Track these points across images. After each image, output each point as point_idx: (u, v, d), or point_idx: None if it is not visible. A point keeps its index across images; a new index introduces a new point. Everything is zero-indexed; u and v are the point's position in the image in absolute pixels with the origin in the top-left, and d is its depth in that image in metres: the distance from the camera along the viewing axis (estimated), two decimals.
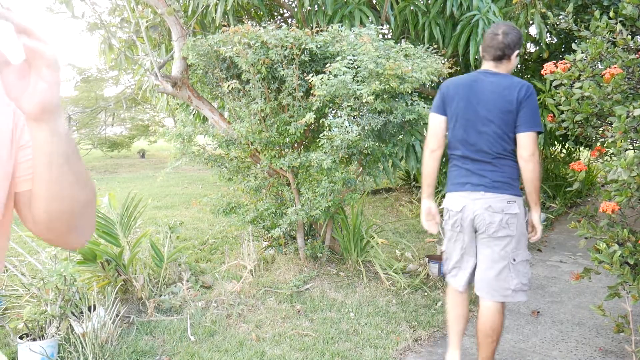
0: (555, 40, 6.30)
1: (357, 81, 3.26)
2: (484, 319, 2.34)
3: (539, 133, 2.26)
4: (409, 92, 3.38)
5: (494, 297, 2.31)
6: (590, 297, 3.64)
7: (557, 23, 2.96)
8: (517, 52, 2.32)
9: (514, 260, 2.28)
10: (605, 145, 2.34)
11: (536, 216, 2.36)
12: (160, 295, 3.33)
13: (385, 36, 5.98)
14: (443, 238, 4.01)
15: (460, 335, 2.50)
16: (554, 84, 2.53)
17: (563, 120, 2.54)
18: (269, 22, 4.20)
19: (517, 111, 2.22)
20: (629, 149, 2.22)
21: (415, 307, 3.34)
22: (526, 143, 2.22)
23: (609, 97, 2.31)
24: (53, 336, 2.54)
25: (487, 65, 2.36)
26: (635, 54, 2.39)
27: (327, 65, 3.32)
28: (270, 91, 3.62)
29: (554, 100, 2.57)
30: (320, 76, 3.19)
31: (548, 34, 5.81)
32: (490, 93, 2.27)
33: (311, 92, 3.30)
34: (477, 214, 2.28)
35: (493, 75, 2.32)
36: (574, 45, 2.56)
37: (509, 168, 2.28)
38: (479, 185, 2.28)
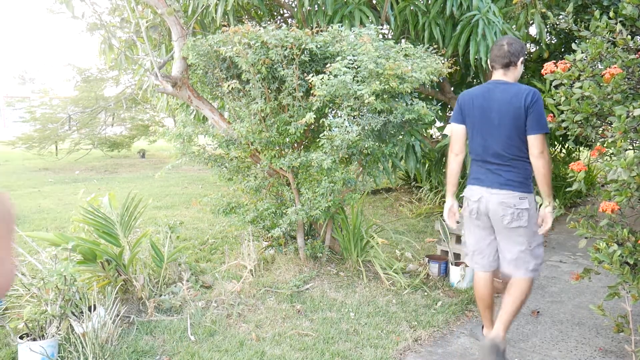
0: (555, 40, 6.30)
1: (357, 81, 3.26)
2: (511, 283, 2.65)
3: (546, 134, 2.47)
4: (409, 92, 3.38)
5: (518, 273, 2.63)
6: (590, 297, 3.64)
7: (557, 23, 2.97)
8: (521, 59, 2.60)
9: (530, 246, 2.59)
10: (605, 145, 2.34)
11: (549, 208, 2.56)
12: (161, 295, 3.33)
13: (385, 36, 5.99)
14: (444, 238, 4.02)
15: (490, 313, 2.79)
16: (553, 84, 2.53)
17: (563, 120, 2.54)
18: (269, 22, 4.20)
19: (525, 116, 2.47)
20: (629, 149, 2.23)
21: (415, 307, 3.34)
22: (535, 143, 2.46)
23: (608, 97, 2.31)
24: (53, 336, 2.55)
25: (497, 75, 2.62)
26: (635, 54, 2.40)
27: (327, 65, 3.32)
28: (270, 91, 3.62)
29: (554, 100, 2.57)
30: (320, 76, 3.19)
31: (548, 34, 5.82)
32: (501, 102, 2.53)
33: (311, 92, 3.30)
34: (491, 208, 2.57)
35: (503, 84, 2.58)
36: (574, 45, 2.56)
37: (524, 169, 2.55)
38: (494, 183, 2.57)
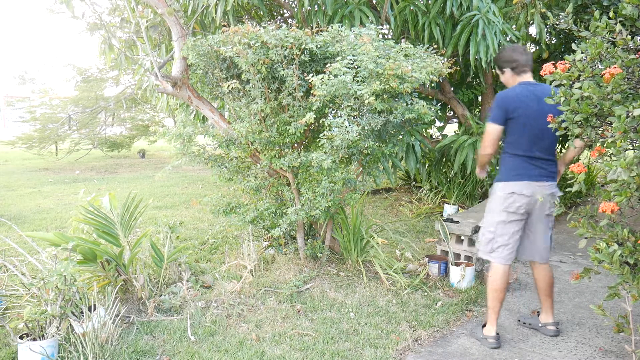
0: (555, 40, 6.30)
1: (357, 81, 3.26)
2: (545, 273, 3.01)
3: None
4: (409, 92, 3.38)
5: (545, 259, 3.00)
6: (590, 297, 3.64)
7: (557, 23, 2.97)
8: None
9: (551, 228, 2.99)
10: (605, 146, 2.33)
11: (563, 167, 3.00)
12: (161, 295, 3.33)
13: (385, 36, 5.99)
14: (444, 238, 4.02)
15: (500, 308, 2.96)
16: (553, 84, 2.53)
17: (563, 121, 2.54)
18: (269, 22, 4.21)
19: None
20: (629, 149, 2.22)
21: (415, 307, 3.34)
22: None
23: (608, 97, 2.31)
24: (53, 336, 2.55)
25: (527, 77, 2.92)
26: (635, 54, 2.39)
27: (327, 65, 3.32)
28: (270, 91, 3.62)
29: (554, 100, 2.57)
30: (320, 76, 3.19)
31: (548, 34, 5.82)
32: (542, 101, 2.74)
33: (311, 92, 3.30)
34: (543, 199, 2.84)
35: (537, 85, 2.88)
36: (573, 46, 2.55)
37: (556, 162, 2.93)
38: (541, 176, 2.86)
